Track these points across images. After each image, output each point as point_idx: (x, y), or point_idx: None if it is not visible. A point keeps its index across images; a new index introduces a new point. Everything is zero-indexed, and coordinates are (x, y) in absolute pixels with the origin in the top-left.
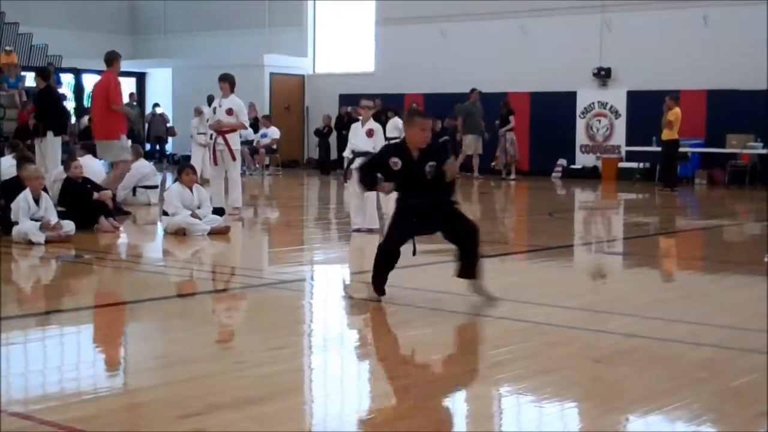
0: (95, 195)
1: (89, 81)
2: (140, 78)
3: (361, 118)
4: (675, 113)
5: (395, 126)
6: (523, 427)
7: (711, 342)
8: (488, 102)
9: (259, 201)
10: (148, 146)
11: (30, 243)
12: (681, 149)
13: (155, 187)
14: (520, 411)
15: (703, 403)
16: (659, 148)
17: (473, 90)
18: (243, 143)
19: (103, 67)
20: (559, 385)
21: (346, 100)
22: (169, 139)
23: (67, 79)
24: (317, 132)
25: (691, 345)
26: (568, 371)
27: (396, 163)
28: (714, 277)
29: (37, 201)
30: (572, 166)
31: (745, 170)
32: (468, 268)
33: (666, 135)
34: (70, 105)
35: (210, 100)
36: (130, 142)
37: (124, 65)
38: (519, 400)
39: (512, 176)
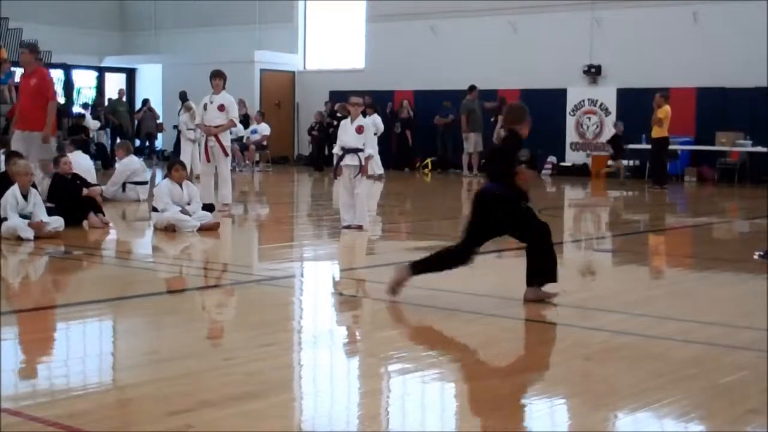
0: (84, 191)
1: (79, 77)
2: (130, 74)
3: (351, 115)
4: (665, 111)
5: (373, 122)
6: (512, 424)
7: (700, 339)
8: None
9: (249, 197)
10: (137, 142)
11: (19, 239)
12: (671, 147)
13: (145, 183)
14: (509, 407)
15: (692, 400)
16: (649, 146)
17: (473, 88)
18: (233, 140)
19: (93, 62)
20: (549, 382)
21: (337, 96)
22: (159, 135)
23: (56, 75)
24: (310, 130)
25: (680, 342)
26: (557, 368)
27: (523, 154)
28: (703, 275)
29: (25, 197)
30: (562, 164)
31: (735, 168)
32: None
33: (656, 132)
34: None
35: (182, 96)
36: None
37: (114, 61)
38: (508, 396)
39: (470, 173)
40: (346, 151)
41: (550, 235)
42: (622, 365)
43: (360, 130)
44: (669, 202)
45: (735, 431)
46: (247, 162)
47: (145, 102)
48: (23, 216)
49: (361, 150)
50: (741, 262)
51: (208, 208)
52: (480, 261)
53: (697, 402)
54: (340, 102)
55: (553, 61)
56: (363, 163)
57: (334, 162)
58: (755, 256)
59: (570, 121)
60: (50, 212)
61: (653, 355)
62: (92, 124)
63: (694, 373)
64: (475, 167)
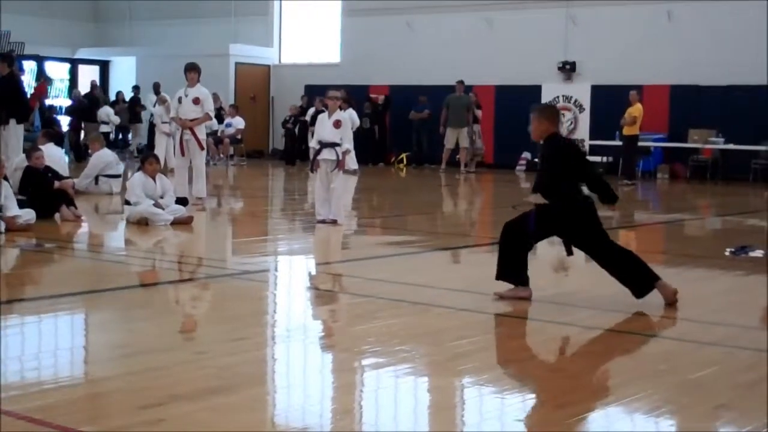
0: (56, 184)
1: (52, 68)
2: (104, 66)
3: (329, 109)
4: (638, 109)
5: (350, 117)
6: (483, 418)
7: (671, 335)
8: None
9: (223, 191)
10: (111, 135)
11: None
12: (644, 144)
13: (118, 176)
14: (480, 402)
15: (662, 396)
16: (621, 143)
17: (458, 82)
18: (207, 134)
19: (66, 54)
20: (520, 377)
21: (312, 90)
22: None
23: (29, 66)
24: (284, 124)
25: (650, 338)
26: (529, 363)
27: None
28: (675, 271)
29: None
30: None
31: (707, 165)
32: None
33: (628, 130)
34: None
35: (156, 88)
36: None
37: (88, 53)
38: (479, 391)
39: (470, 168)
40: (324, 145)
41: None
42: (592, 360)
43: (338, 124)
44: (641, 199)
45: (705, 426)
46: (222, 156)
47: (119, 94)
48: None
49: (339, 144)
50: (712, 259)
51: (182, 201)
52: (451, 255)
53: (667, 397)
54: (319, 96)
55: (528, 58)
56: (340, 157)
57: (311, 156)
58: (726, 253)
59: None
60: (21, 205)
61: (624, 350)
62: (114, 119)
63: (665, 368)
64: (463, 164)
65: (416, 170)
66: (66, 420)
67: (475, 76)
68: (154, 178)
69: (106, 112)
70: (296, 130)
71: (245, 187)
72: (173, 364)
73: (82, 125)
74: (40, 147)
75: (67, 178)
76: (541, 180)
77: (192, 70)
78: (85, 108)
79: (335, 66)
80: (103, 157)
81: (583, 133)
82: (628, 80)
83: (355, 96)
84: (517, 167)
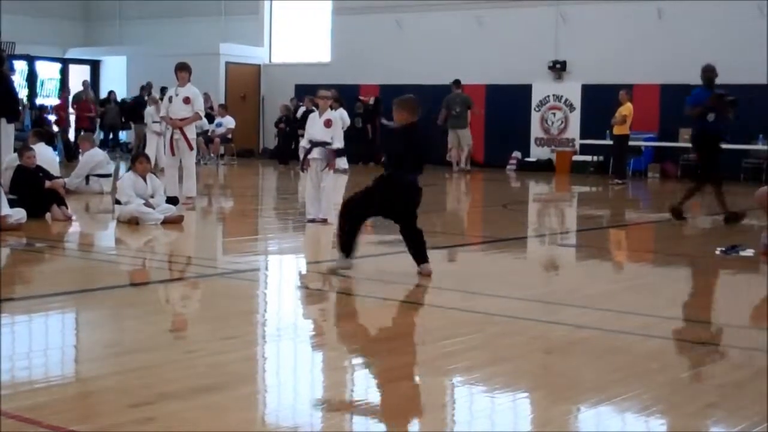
0: (47, 183)
1: (42, 68)
2: (94, 66)
3: (319, 108)
4: (628, 108)
5: (340, 116)
6: (474, 417)
7: (661, 333)
8: (442, 94)
9: (214, 190)
10: (101, 135)
11: None
12: (634, 143)
13: (108, 175)
14: (471, 401)
15: (652, 394)
16: (611, 142)
17: (457, 82)
18: (198, 133)
19: (56, 54)
20: (510, 376)
21: (303, 90)
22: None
23: (20, 66)
24: (277, 123)
25: (641, 336)
26: (519, 361)
27: None
28: (665, 270)
29: None
30: (527, 159)
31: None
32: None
33: (618, 130)
34: (23, 92)
35: (147, 89)
36: None
37: (78, 52)
38: (470, 390)
39: (467, 167)
40: (314, 144)
41: None
42: (583, 359)
43: (328, 123)
44: (632, 198)
45: (695, 425)
46: (212, 155)
47: (111, 93)
48: None
49: (329, 143)
50: (703, 258)
51: (172, 201)
52: (441, 254)
53: (657, 396)
54: (309, 96)
55: (519, 57)
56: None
57: (301, 156)
58: (717, 252)
59: (535, 117)
60: (12, 204)
61: (614, 349)
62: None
63: (655, 367)
64: (463, 163)
65: None
66: (56, 419)
67: (465, 76)
68: (144, 178)
69: (150, 113)
70: (286, 129)
71: (235, 186)
72: (163, 362)
73: (131, 125)
74: (32, 146)
75: (57, 177)
76: (391, 158)
77: (183, 69)
78: (130, 109)
79: (326, 65)
80: (94, 157)
81: (573, 132)
82: (618, 79)
83: (346, 95)
84: (508, 166)
